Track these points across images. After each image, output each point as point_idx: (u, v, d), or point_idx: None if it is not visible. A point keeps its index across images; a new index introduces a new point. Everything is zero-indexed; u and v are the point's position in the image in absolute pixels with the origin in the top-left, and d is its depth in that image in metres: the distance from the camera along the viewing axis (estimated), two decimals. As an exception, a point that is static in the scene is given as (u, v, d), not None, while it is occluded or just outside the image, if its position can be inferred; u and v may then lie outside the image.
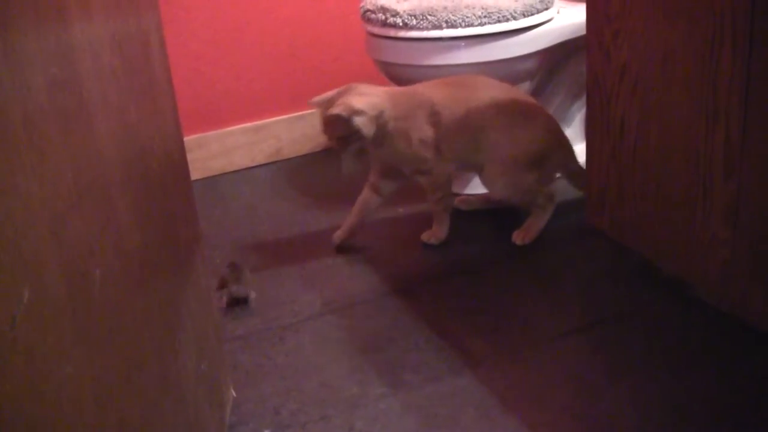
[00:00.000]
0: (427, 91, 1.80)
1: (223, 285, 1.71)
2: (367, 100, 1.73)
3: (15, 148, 0.57)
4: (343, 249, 1.89)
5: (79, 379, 0.65)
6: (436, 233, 1.88)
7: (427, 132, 1.78)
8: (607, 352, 1.46)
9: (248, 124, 2.43)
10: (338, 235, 1.90)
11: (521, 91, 1.88)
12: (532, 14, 1.91)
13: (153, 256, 0.92)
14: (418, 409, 1.34)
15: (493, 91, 1.81)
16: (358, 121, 1.70)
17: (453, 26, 1.86)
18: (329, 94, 1.79)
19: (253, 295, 1.71)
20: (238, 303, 1.71)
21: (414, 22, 1.87)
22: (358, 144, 1.74)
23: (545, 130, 1.83)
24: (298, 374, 1.46)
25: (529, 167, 1.82)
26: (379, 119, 1.73)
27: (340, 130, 1.72)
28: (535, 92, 2.12)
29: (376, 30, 1.95)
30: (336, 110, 1.70)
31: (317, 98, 1.81)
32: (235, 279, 1.72)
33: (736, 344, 1.43)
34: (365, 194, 1.89)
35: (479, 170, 1.86)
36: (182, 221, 1.12)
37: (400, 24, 1.89)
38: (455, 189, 2.12)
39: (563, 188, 2.04)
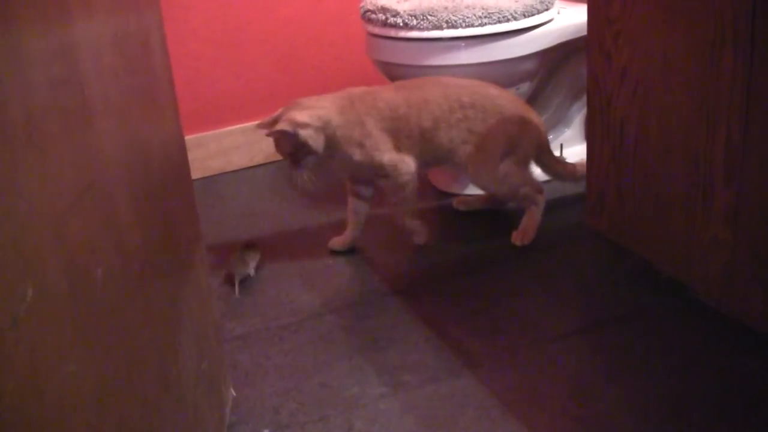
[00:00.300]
0: (378, 95, 1.79)
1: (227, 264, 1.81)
2: (310, 112, 1.72)
3: (17, 146, 0.57)
4: (340, 251, 1.89)
5: (81, 377, 0.65)
6: (420, 237, 1.87)
7: (381, 137, 1.76)
8: (606, 353, 1.46)
9: (247, 124, 2.43)
10: (336, 245, 1.90)
11: (483, 84, 1.84)
12: (533, 15, 1.92)
13: (153, 256, 0.92)
14: (417, 410, 1.34)
15: (445, 89, 1.80)
16: (304, 134, 1.69)
17: (453, 26, 1.86)
18: (275, 114, 1.77)
19: (241, 276, 1.77)
20: (231, 282, 1.77)
21: (414, 22, 1.87)
22: (311, 158, 1.74)
23: (506, 117, 1.81)
24: (298, 374, 1.45)
25: (500, 155, 1.81)
26: (326, 130, 1.72)
27: (289, 146, 1.72)
28: (535, 93, 2.12)
29: (377, 30, 1.95)
30: (280, 126, 1.69)
31: (264, 120, 1.78)
32: (239, 258, 1.79)
33: (736, 346, 1.43)
34: (351, 203, 1.89)
35: (457, 168, 1.86)
36: (182, 221, 1.11)
37: (401, 24, 1.89)
38: (455, 189, 2.13)
39: (561, 188, 2.04)
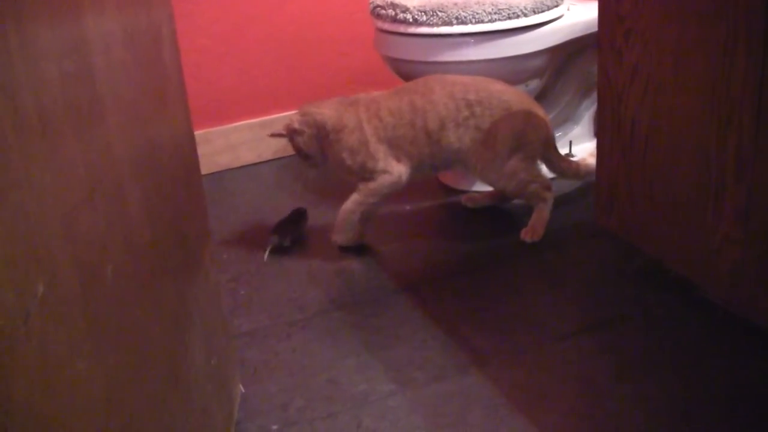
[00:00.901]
0: (382, 103, 1.81)
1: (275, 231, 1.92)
2: (307, 118, 1.81)
3: (29, 140, 0.57)
4: (348, 247, 1.89)
5: (91, 374, 0.65)
6: (341, 237, 1.87)
7: (377, 146, 1.78)
8: (613, 352, 1.46)
9: (254, 120, 2.42)
10: (344, 241, 1.89)
11: (487, 80, 1.84)
12: (542, 11, 1.91)
13: (163, 252, 0.92)
14: (425, 407, 1.33)
15: (451, 88, 1.80)
16: (298, 140, 1.82)
17: (463, 23, 1.85)
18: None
19: (272, 242, 1.88)
20: (276, 250, 1.89)
21: (424, 18, 1.87)
22: (313, 159, 1.85)
23: (512, 112, 1.80)
24: (306, 371, 1.45)
25: (508, 151, 1.81)
26: (319, 134, 1.80)
27: (294, 147, 1.86)
28: (544, 90, 2.11)
29: (386, 26, 1.95)
30: (276, 131, 1.85)
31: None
32: (283, 226, 1.91)
33: (744, 345, 1.43)
34: None
35: (467, 167, 1.86)
36: (191, 217, 1.11)
37: (410, 20, 1.88)
38: (463, 186, 2.12)
39: (567, 187, 2.03)
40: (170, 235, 0.97)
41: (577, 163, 1.95)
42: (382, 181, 1.79)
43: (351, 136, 1.78)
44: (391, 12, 1.92)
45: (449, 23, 1.86)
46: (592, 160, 1.91)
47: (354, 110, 1.80)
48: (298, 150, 1.85)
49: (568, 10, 2.01)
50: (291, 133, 1.82)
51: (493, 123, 1.79)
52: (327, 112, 1.81)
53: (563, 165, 1.92)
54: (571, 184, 2.05)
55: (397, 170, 1.79)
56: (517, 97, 1.83)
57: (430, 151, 1.80)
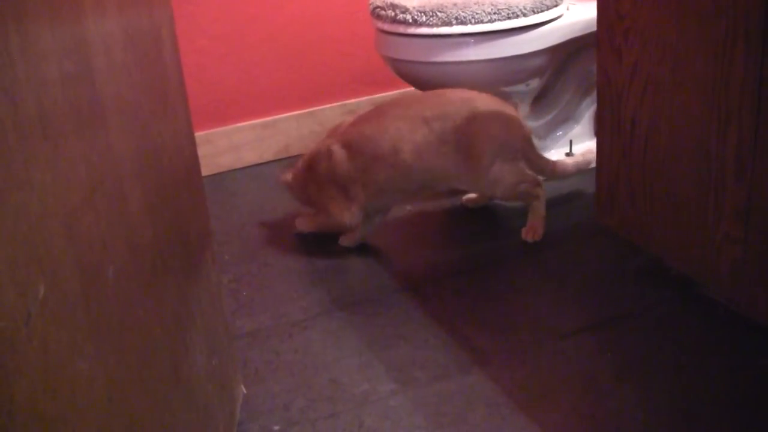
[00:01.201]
0: (346, 134, 1.82)
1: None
2: (296, 164, 1.93)
3: (30, 141, 0.57)
4: (349, 246, 1.89)
5: (92, 375, 0.65)
6: (303, 226, 1.98)
7: (330, 185, 1.82)
8: (615, 351, 1.46)
9: (256, 121, 2.43)
10: (346, 241, 1.90)
11: (452, 91, 1.82)
12: (542, 11, 1.91)
13: (164, 252, 0.92)
14: (427, 407, 1.34)
15: (405, 110, 1.79)
16: (290, 189, 1.95)
17: (462, 23, 1.85)
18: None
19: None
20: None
21: (423, 18, 1.87)
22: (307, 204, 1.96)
23: (484, 118, 1.78)
24: (308, 371, 1.45)
25: (490, 159, 1.79)
26: (299, 176, 1.90)
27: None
28: (545, 89, 2.11)
29: (386, 26, 1.95)
30: (279, 178, 1.99)
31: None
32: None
33: (746, 344, 1.43)
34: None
35: (452, 184, 1.87)
36: (193, 217, 1.11)
37: (410, 20, 1.88)
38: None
39: (567, 187, 2.03)
40: (171, 236, 0.97)
41: (554, 163, 1.93)
42: (331, 220, 1.84)
43: (316, 167, 1.83)
44: (390, 13, 1.92)
45: (449, 23, 1.86)
46: (569, 161, 1.93)
47: (324, 142, 1.85)
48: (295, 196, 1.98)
49: (567, 9, 2.01)
50: (286, 186, 1.96)
51: (466, 132, 1.76)
52: (306, 154, 1.90)
53: (541, 163, 1.89)
54: (571, 183, 2.05)
55: (346, 215, 1.81)
56: (482, 100, 1.80)
57: (394, 177, 1.78)
